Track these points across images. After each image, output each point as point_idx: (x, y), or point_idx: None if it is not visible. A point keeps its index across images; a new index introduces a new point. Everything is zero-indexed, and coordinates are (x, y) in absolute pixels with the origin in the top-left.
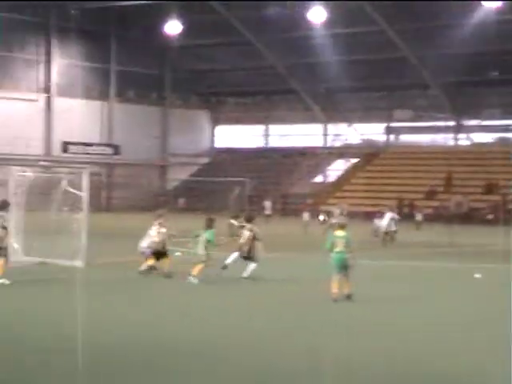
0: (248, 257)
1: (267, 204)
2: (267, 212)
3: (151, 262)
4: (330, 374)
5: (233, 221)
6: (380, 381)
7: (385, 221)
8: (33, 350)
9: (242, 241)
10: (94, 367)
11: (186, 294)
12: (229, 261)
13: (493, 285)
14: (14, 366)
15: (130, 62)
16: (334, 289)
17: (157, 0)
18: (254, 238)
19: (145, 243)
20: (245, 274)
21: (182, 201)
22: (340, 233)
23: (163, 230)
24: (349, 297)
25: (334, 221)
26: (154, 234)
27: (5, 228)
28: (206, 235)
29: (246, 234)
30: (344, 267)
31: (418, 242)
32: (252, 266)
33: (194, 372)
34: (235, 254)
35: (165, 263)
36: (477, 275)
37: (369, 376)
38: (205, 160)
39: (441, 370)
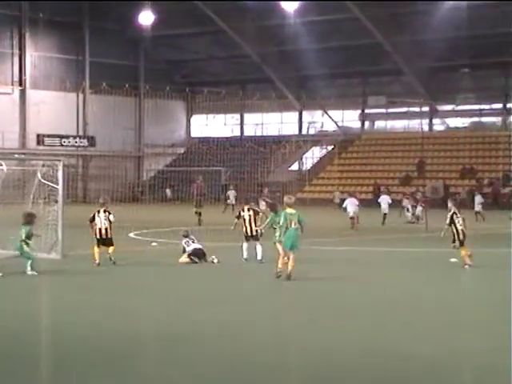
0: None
1: (231, 193)
2: (231, 202)
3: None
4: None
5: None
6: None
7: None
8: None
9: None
10: (85, 356)
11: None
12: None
13: (474, 269)
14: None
15: (103, 53)
16: (281, 264)
17: None
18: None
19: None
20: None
21: (169, 192)
22: (291, 211)
23: (111, 217)
24: (289, 277)
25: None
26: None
27: None
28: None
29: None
30: (295, 244)
31: (388, 229)
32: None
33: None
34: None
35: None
36: (453, 259)
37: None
38: (181, 150)
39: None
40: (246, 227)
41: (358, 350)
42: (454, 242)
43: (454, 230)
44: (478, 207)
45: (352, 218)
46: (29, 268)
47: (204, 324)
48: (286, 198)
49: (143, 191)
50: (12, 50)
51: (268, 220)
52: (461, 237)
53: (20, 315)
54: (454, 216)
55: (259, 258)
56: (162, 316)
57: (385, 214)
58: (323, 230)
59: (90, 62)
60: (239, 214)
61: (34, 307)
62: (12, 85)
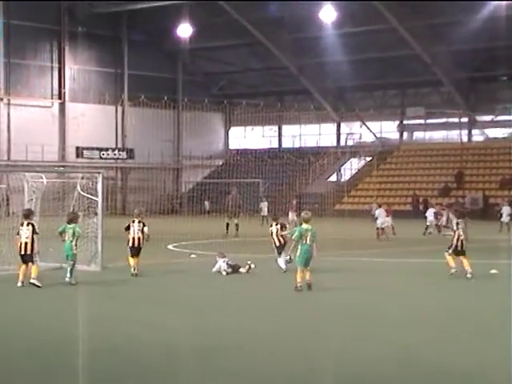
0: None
1: (264, 205)
2: (263, 214)
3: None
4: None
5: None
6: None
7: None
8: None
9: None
10: (131, 367)
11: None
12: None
13: (508, 280)
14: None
15: (142, 66)
16: (299, 279)
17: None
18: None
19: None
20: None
21: (207, 204)
22: (307, 226)
23: (145, 228)
24: (309, 286)
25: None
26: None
27: (37, 233)
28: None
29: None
30: (309, 258)
31: (425, 240)
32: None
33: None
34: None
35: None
36: (493, 271)
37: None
38: (219, 162)
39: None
40: (273, 240)
41: (394, 360)
42: (450, 248)
43: (456, 238)
44: (506, 218)
45: (378, 228)
46: (68, 275)
47: (242, 336)
48: (303, 214)
49: (181, 203)
50: (52, 64)
51: (291, 231)
52: (458, 247)
53: (57, 327)
54: (458, 225)
55: (283, 268)
56: (198, 328)
57: (428, 225)
58: (358, 241)
59: (128, 75)
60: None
61: (71, 318)
62: (51, 98)
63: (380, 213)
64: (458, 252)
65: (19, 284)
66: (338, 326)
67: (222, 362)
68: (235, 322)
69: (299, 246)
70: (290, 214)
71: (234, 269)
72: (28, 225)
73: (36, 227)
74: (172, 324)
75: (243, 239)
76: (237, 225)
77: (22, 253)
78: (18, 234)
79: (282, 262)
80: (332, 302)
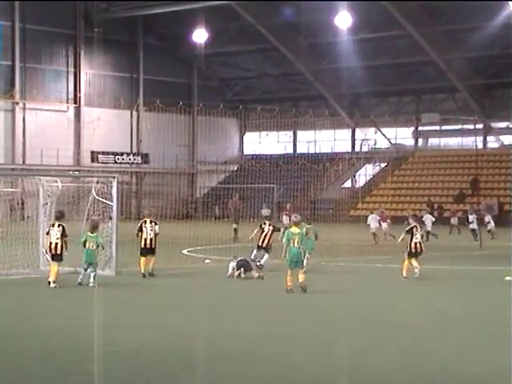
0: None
1: (265, 212)
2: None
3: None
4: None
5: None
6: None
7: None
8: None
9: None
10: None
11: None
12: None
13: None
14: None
15: (157, 71)
16: (289, 282)
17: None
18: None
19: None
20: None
21: (217, 209)
22: (295, 230)
23: (156, 227)
24: (304, 288)
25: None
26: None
27: (66, 236)
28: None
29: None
30: (298, 261)
31: (451, 246)
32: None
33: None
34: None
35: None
36: (508, 278)
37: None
38: (234, 167)
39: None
40: (261, 238)
41: (406, 369)
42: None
43: (411, 242)
44: (489, 226)
45: (373, 233)
46: (92, 280)
47: (256, 340)
48: (292, 217)
49: (196, 208)
50: (67, 68)
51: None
52: (413, 249)
53: (71, 331)
54: (414, 229)
55: (261, 262)
56: (213, 332)
57: (427, 231)
58: (372, 247)
59: (143, 80)
60: (260, 225)
61: (85, 323)
62: (67, 103)
63: (371, 219)
64: (413, 255)
65: (52, 285)
66: (341, 331)
67: (237, 366)
68: (246, 327)
69: (288, 250)
70: (284, 217)
71: (246, 268)
72: (59, 226)
73: (66, 229)
74: (186, 328)
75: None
76: (235, 230)
77: (53, 252)
78: (47, 233)
79: (254, 253)
80: (338, 306)
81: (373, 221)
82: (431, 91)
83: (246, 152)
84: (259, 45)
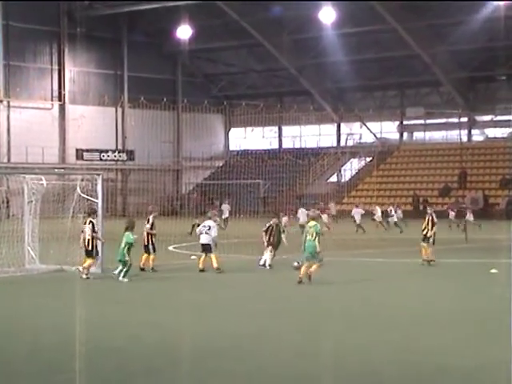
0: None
1: (225, 207)
2: (225, 216)
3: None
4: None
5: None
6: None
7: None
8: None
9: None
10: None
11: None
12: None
13: (507, 280)
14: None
15: (141, 68)
16: (302, 272)
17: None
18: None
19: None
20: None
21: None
22: (311, 223)
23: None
24: (309, 277)
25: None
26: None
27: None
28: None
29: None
30: (313, 254)
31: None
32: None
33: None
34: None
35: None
36: (493, 270)
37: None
38: (219, 163)
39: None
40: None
41: (391, 361)
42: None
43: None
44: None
45: (359, 225)
46: (122, 274)
47: (244, 337)
48: (310, 212)
49: (182, 204)
50: (51, 66)
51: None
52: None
53: (58, 328)
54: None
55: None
56: (200, 329)
57: (358, 224)
58: (356, 241)
59: (128, 77)
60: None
61: (71, 321)
62: (51, 100)
63: (355, 212)
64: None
65: (84, 276)
66: (331, 327)
67: (224, 362)
68: (235, 324)
69: (304, 242)
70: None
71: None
72: (90, 223)
73: (95, 226)
74: (173, 325)
75: (240, 240)
76: (193, 225)
77: (85, 248)
78: (82, 231)
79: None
80: (327, 301)
81: (357, 214)
82: (415, 85)
83: (231, 148)
84: (243, 40)
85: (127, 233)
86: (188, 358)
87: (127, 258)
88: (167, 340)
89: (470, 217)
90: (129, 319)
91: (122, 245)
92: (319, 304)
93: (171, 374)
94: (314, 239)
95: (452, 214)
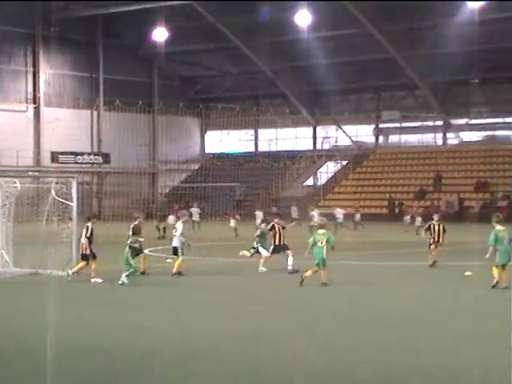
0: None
1: (194, 211)
2: (195, 218)
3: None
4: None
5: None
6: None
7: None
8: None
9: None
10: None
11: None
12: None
13: (484, 282)
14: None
15: (117, 70)
16: (307, 274)
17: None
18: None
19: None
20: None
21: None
22: (321, 231)
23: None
24: (325, 284)
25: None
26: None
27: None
28: None
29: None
30: (322, 259)
31: (406, 242)
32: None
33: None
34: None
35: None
36: (467, 273)
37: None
38: (195, 166)
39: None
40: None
41: (374, 363)
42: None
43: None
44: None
45: (340, 223)
46: (125, 274)
47: (225, 340)
48: (319, 220)
49: (157, 207)
50: (26, 68)
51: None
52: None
53: (28, 332)
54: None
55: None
56: (177, 332)
57: (340, 223)
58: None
59: (103, 79)
60: (273, 226)
61: (44, 322)
62: (26, 102)
63: (313, 215)
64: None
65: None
66: (317, 328)
67: (204, 365)
68: (216, 326)
69: (313, 249)
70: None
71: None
72: (86, 228)
73: (89, 230)
74: (157, 328)
75: (216, 243)
76: (157, 228)
77: (80, 252)
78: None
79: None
80: (313, 304)
81: (337, 214)
82: (391, 88)
83: (207, 151)
84: (220, 43)
85: (133, 237)
86: (168, 361)
87: (132, 262)
88: (146, 343)
89: (417, 222)
90: (110, 322)
91: (126, 249)
92: (311, 306)
93: (150, 375)
94: (323, 246)
95: (418, 219)
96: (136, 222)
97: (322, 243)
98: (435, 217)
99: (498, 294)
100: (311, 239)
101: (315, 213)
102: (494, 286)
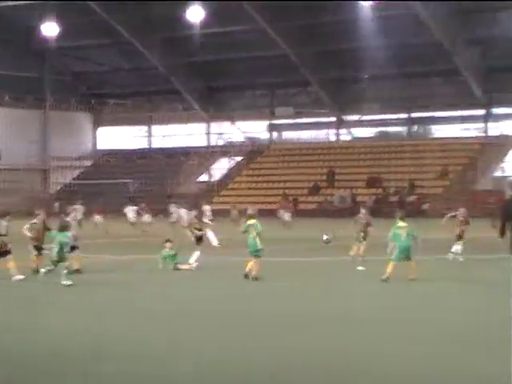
0: None
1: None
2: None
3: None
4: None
5: None
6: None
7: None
8: None
9: None
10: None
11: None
12: None
13: (378, 276)
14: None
15: (6, 65)
16: (248, 267)
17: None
18: None
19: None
20: None
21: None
22: (252, 221)
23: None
24: (256, 278)
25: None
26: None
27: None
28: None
29: None
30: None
31: (289, 238)
32: None
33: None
34: None
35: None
36: (360, 268)
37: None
38: (88, 162)
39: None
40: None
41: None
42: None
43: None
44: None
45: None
46: (63, 277)
47: (139, 342)
48: (249, 210)
49: (50, 205)
50: None
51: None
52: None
53: None
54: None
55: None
56: (92, 332)
57: (131, 223)
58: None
59: None
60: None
61: None
62: None
63: (175, 210)
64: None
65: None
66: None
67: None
68: (119, 326)
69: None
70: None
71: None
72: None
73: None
74: (68, 329)
75: (114, 240)
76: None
77: None
78: None
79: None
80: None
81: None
82: (285, 85)
83: (99, 147)
84: (112, 39)
85: (62, 233)
86: (75, 362)
87: (56, 259)
88: (60, 344)
89: (285, 216)
90: (33, 324)
91: (56, 245)
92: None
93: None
94: (255, 237)
95: (288, 214)
96: (35, 220)
97: (253, 233)
98: (362, 210)
99: (401, 287)
100: (244, 229)
101: (206, 208)
102: (384, 280)
